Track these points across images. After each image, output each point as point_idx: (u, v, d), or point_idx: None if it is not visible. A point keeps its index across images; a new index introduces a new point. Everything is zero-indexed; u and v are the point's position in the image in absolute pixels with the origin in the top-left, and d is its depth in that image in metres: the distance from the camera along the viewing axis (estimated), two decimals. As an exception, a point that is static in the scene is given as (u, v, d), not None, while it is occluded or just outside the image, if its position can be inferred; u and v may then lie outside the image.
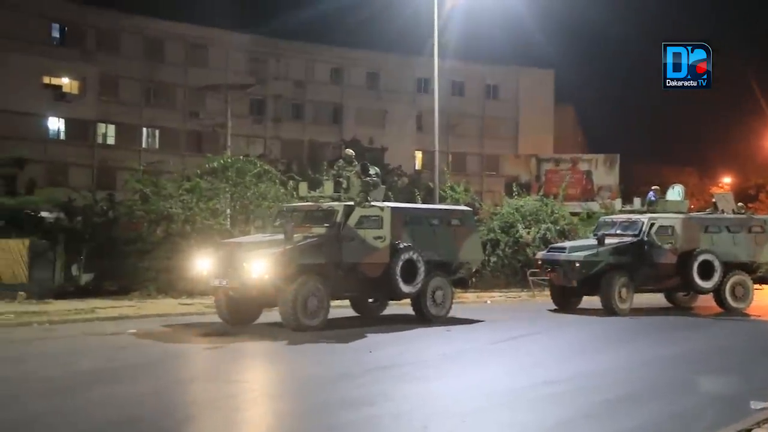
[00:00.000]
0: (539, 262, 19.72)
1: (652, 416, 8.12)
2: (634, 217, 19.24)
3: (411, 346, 12.77)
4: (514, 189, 27.88)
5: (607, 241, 18.19)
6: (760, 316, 18.39)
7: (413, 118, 57.08)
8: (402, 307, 17.24)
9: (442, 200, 26.66)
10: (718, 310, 19.02)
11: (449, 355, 11.82)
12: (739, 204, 20.75)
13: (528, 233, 25.15)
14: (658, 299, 20.59)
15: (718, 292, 18.91)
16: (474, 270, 18.51)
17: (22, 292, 18.73)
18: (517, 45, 76.19)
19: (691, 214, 19.86)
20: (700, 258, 18.37)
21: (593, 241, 18.53)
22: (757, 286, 19.86)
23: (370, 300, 17.12)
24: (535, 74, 59.79)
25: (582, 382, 9.80)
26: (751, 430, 7.58)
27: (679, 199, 20.07)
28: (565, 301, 18.99)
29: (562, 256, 18.42)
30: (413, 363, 11.06)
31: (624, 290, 17.89)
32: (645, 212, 19.48)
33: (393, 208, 15.56)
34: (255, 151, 44.35)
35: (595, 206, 33.50)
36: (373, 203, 15.29)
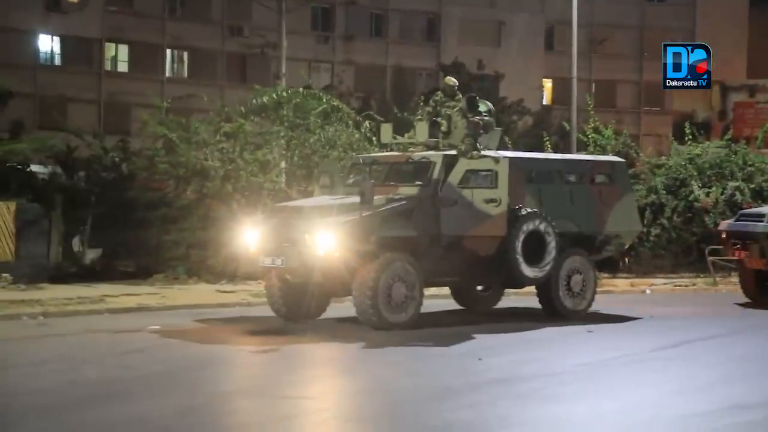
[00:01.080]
0: (724, 236, 19.47)
1: None
2: None
3: (537, 353, 12.76)
4: (687, 131, 27.39)
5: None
6: None
7: (540, 32, 56.43)
8: (524, 298, 17.25)
9: (582, 147, 26.36)
10: None
11: (592, 366, 11.77)
12: None
13: (707, 195, 24.75)
14: None
15: None
16: (627, 246, 18.32)
17: (6, 274, 19.34)
18: None
19: None
20: None
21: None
22: None
23: (479, 288, 17.19)
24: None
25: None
26: None
27: None
28: (763, 292, 18.76)
29: (759, 228, 18.23)
30: (541, 376, 11.05)
31: None
32: None
33: (512, 160, 15.48)
34: (319, 81, 44.61)
35: (810, 155, 32.56)
36: (484, 152, 15.24)
